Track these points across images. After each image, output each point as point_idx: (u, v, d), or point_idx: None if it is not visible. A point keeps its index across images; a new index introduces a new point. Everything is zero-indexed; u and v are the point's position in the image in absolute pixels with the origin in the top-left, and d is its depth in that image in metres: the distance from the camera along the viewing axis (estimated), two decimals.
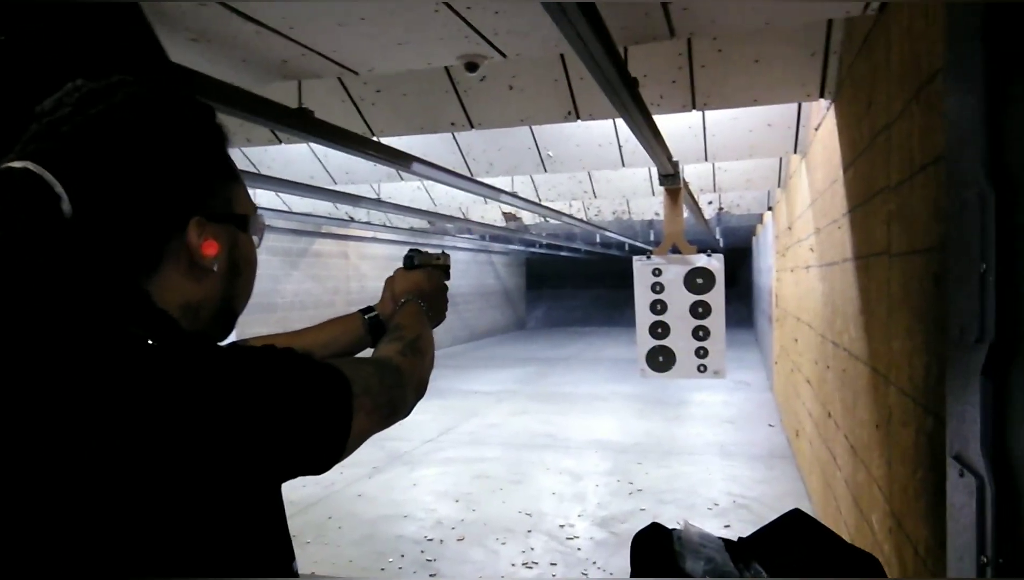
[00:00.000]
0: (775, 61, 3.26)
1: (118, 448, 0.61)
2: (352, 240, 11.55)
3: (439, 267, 1.29)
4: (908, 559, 2.00)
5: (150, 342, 0.68)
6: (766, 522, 1.37)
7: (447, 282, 1.28)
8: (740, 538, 1.34)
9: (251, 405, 0.68)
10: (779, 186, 6.74)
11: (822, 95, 3.44)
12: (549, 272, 23.46)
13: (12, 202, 0.65)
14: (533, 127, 4.87)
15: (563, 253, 17.13)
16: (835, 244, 3.43)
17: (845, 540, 1.24)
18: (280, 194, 7.31)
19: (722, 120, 4.58)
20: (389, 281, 1.25)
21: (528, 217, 9.76)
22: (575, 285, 24.11)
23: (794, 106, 4.44)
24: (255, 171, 5.35)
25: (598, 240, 13.93)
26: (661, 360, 4.60)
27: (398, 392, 0.89)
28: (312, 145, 5.14)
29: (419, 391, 0.96)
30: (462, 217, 8.90)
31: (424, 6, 2.13)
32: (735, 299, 20.81)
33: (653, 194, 7.03)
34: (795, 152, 4.83)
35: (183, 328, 0.74)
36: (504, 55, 2.62)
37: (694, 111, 3.70)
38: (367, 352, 1.13)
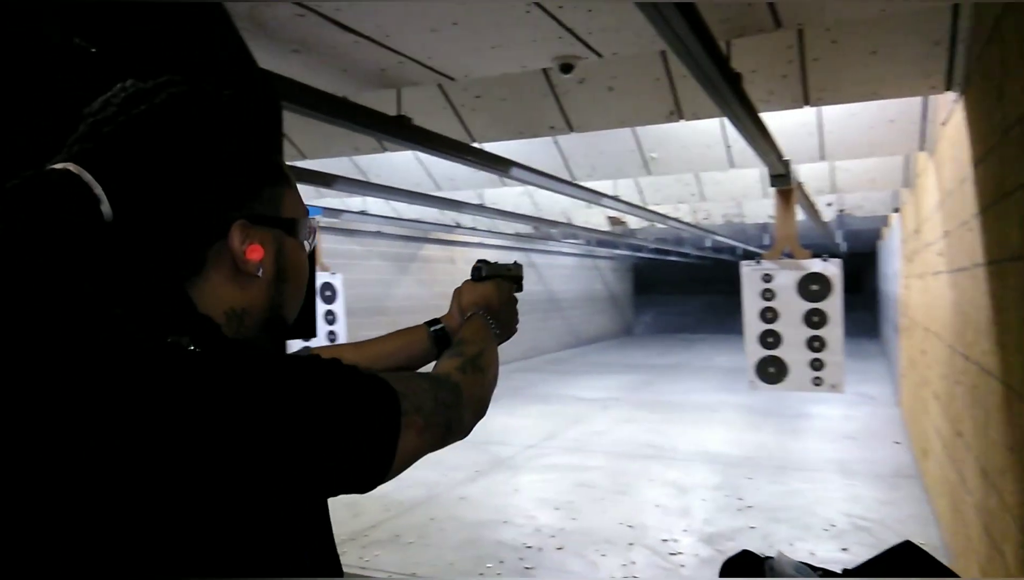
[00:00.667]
0: (895, 52, 3.03)
1: (148, 454, 0.61)
2: (458, 245, 11.73)
3: (510, 278, 1.23)
4: None
5: (192, 348, 0.67)
6: (887, 547, 1.25)
7: (518, 293, 1.23)
8: (845, 570, 1.23)
9: (290, 417, 0.66)
10: (905, 186, 6.30)
11: (949, 87, 3.18)
12: (657, 277, 23.01)
13: (51, 204, 0.64)
14: (636, 129, 4.77)
15: (671, 258, 16.75)
16: (965, 248, 3.15)
17: (958, 576, 1.11)
18: (391, 201, 7.51)
19: (839, 116, 4.32)
20: (457, 293, 1.20)
21: (634, 221, 9.59)
22: (684, 291, 23.53)
23: (918, 100, 4.13)
24: (364, 179, 5.51)
25: (708, 244, 13.53)
26: (772, 371, 4.39)
27: (455, 412, 0.84)
28: (417, 152, 5.24)
29: (479, 410, 0.91)
30: (566, 222, 8.85)
31: (516, 7, 2.11)
32: (859, 307, 19.73)
33: (767, 196, 6.74)
34: (921, 149, 4.49)
35: (225, 334, 0.73)
36: (600, 55, 2.56)
37: (807, 107, 3.50)
38: (431, 366, 1.10)
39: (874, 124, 4.36)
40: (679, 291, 23.60)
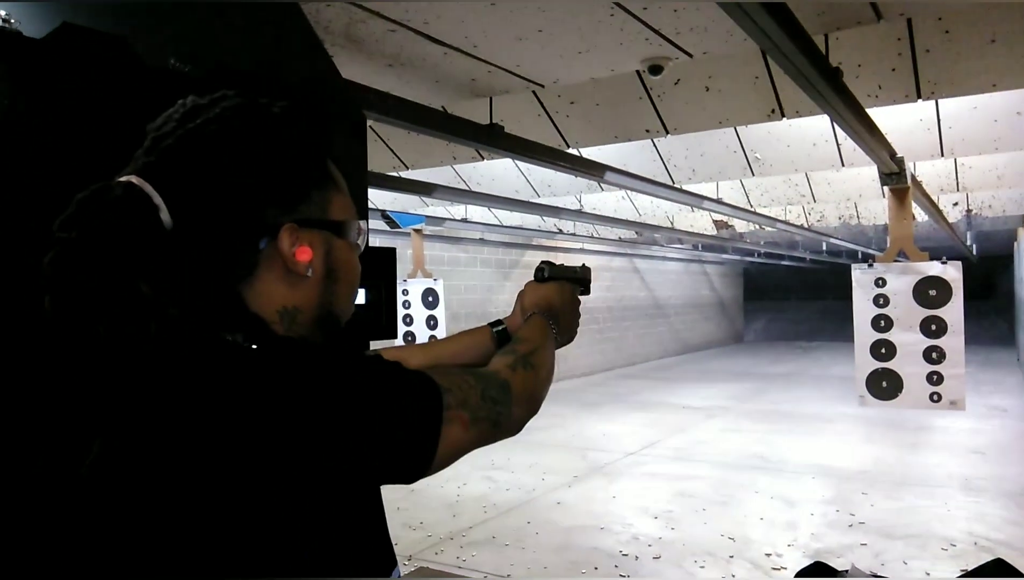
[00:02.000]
0: (1016, 40, 2.81)
1: (213, 451, 0.66)
2: (560, 251, 11.75)
3: (575, 280, 1.24)
4: None
5: (245, 345, 0.72)
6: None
7: (583, 296, 1.23)
8: None
9: (335, 410, 0.70)
10: None
11: None
12: (769, 283, 22.21)
13: (115, 214, 0.71)
14: (738, 129, 4.64)
15: (784, 262, 16.13)
16: None
17: None
18: (492, 209, 7.62)
19: (960, 110, 4.06)
20: (520, 294, 1.22)
21: (741, 225, 9.31)
22: (799, 296, 22.59)
23: None
24: (465, 187, 5.63)
25: (824, 248, 12.94)
26: (885, 386, 4.14)
27: (503, 407, 0.86)
28: (515, 160, 5.30)
29: (530, 407, 0.92)
30: (669, 226, 8.70)
31: (597, 11, 2.11)
32: (992, 313, 18.35)
33: (884, 196, 6.39)
34: None
35: (276, 333, 0.78)
36: (690, 55, 2.52)
37: (920, 101, 3.31)
38: None
39: (999, 117, 4.07)
40: (793, 297, 22.70)
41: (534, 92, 3.73)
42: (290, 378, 0.69)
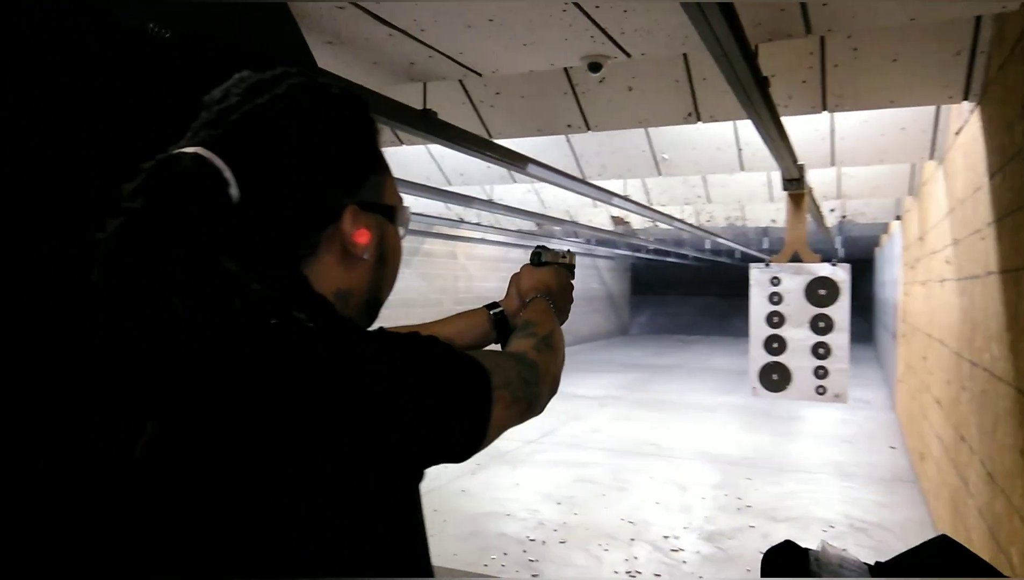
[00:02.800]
0: (915, 60, 3.07)
1: (291, 432, 0.64)
2: (461, 241, 11.75)
3: (565, 266, 1.28)
4: None
5: (311, 325, 0.70)
6: (886, 548, 1.28)
7: (572, 281, 1.27)
8: (877, 562, 1.26)
9: (403, 390, 0.70)
10: (910, 194, 6.36)
11: (966, 97, 3.22)
12: (655, 278, 23.09)
13: (183, 185, 0.68)
14: (648, 129, 4.80)
15: (670, 259, 16.81)
16: (977, 256, 3.19)
17: (1000, 573, 1.14)
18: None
19: (852, 123, 4.37)
20: (515, 278, 1.24)
21: (637, 221, 9.63)
22: (681, 292, 23.62)
23: (931, 109, 4.18)
24: None
25: (708, 246, 13.59)
26: (775, 378, 4.40)
27: (535, 388, 0.88)
28: (429, 147, 5.26)
29: (553, 388, 0.96)
30: (570, 220, 8.88)
31: (553, 5, 2.14)
32: (854, 313, 19.82)
33: (772, 200, 6.79)
34: (931, 158, 4.54)
35: (340, 314, 0.77)
36: (628, 55, 2.59)
37: (825, 113, 3.54)
38: (493, 347, 1.14)
39: (886, 131, 4.41)
40: (676, 292, 23.69)
41: (460, 81, 3.73)
42: (363, 361, 0.69)
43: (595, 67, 2.63)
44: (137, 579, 0.69)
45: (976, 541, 3.10)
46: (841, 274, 4.23)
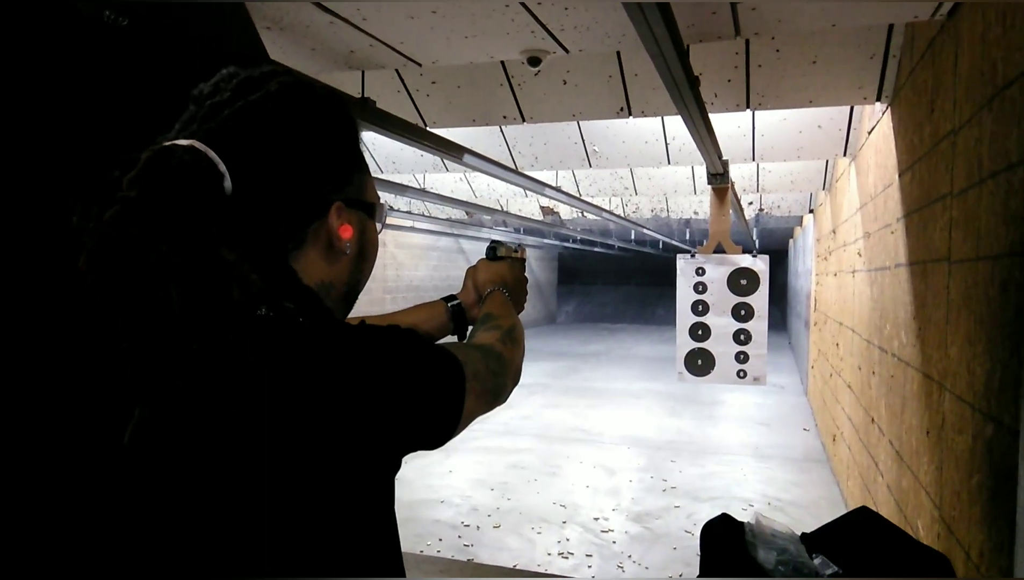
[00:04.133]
0: (833, 63, 3.24)
1: (281, 419, 0.67)
2: (391, 229, 11.66)
3: (518, 260, 1.33)
4: (959, 563, 2.00)
5: (299, 317, 0.73)
6: (801, 525, 1.39)
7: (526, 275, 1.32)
8: (804, 533, 1.37)
9: (385, 380, 0.73)
10: (823, 189, 6.68)
11: (879, 98, 3.42)
12: (581, 267, 23.45)
13: (179, 177, 0.69)
14: (580, 122, 4.90)
15: (596, 249, 17.11)
16: (887, 249, 3.41)
17: (915, 539, 1.26)
18: None
19: (772, 120, 4.56)
20: (471, 271, 1.29)
21: (565, 212, 9.77)
22: (606, 281, 24.07)
23: (845, 108, 4.41)
24: None
25: (632, 237, 13.91)
26: (700, 363, 4.58)
27: (501, 379, 0.93)
28: (362, 134, 5.21)
29: (516, 378, 1.01)
30: (501, 210, 8.94)
31: (495, 0, 2.17)
32: (770, 302, 20.59)
33: (695, 193, 7.01)
34: (844, 155, 4.79)
35: (324, 305, 0.80)
36: (567, 50, 2.65)
37: (748, 110, 3.70)
38: (449, 339, 1.18)
39: (803, 128, 4.62)
40: (601, 281, 24.12)
41: (397, 69, 3.72)
42: (351, 353, 0.72)
43: (535, 61, 2.68)
44: (123, 569, 0.70)
45: (886, 516, 3.32)
46: (761, 265, 4.44)
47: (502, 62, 3.63)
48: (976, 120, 1.92)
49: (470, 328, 1.26)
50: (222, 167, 0.72)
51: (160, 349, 0.65)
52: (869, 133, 4.03)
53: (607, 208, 8.40)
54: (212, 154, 0.71)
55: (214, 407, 0.67)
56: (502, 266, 1.26)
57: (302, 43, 2.62)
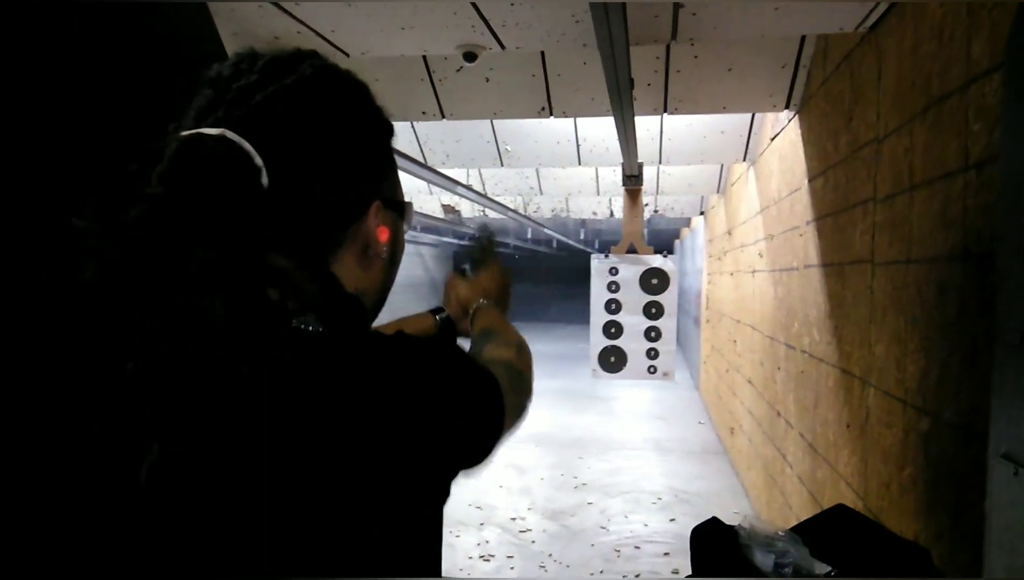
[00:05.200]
0: (747, 71, 3.37)
1: (336, 443, 0.60)
2: None
3: (497, 265, 1.29)
4: None
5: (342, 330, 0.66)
6: (707, 516, 1.42)
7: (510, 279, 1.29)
8: (787, 530, 1.39)
9: (442, 403, 0.68)
10: (717, 192, 6.96)
11: (787, 106, 3.58)
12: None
13: (212, 171, 0.59)
14: (494, 121, 4.87)
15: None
16: (794, 250, 3.57)
17: (894, 533, 1.31)
18: None
19: (678, 125, 4.70)
20: (452, 285, 1.25)
21: (467, 210, 9.74)
22: None
23: (747, 115, 4.60)
24: None
25: (530, 236, 14.04)
26: (613, 361, 4.68)
27: (524, 397, 0.90)
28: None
29: (530, 394, 0.97)
30: None
31: None
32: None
33: (598, 193, 7.14)
34: (744, 160, 5.00)
35: (369, 314, 0.73)
36: (503, 47, 2.61)
37: (665, 115, 3.78)
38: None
39: (707, 134, 4.79)
40: None
41: None
42: (401, 374, 0.66)
43: (471, 56, 2.62)
44: None
45: (795, 505, 3.48)
46: (671, 265, 4.58)
47: (424, 57, 3.54)
48: (906, 130, 2.03)
49: (459, 341, 1.22)
50: (258, 160, 0.62)
51: (195, 373, 0.55)
52: (772, 140, 4.21)
53: (511, 207, 8.43)
54: (247, 145, 0.62)
55: (268, 438, 0.59)
56: (483, 278, 1.22)
57: (223, 26, 2.45)
